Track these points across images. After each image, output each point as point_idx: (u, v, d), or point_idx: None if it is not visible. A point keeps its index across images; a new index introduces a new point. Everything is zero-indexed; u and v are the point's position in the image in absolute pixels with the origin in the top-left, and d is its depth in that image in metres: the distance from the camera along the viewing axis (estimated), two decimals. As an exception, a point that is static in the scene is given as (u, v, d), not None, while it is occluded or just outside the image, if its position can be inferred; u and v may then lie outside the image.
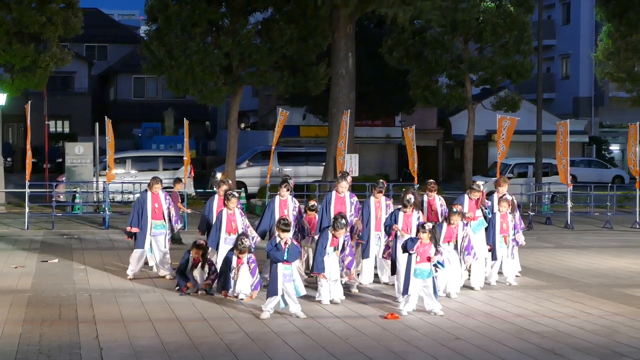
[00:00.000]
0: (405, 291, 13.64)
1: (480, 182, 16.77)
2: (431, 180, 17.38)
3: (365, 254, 16.24)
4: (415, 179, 29.65)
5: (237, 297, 14.48)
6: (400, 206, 15.20)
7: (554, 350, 11.52)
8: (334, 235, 14.30)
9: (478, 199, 16.18)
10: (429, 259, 13.54)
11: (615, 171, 49.38)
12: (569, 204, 28.10)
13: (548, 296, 15.44)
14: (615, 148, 56.72)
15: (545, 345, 11.76)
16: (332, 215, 15.70)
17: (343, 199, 16.01)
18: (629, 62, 36.35)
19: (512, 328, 12.79)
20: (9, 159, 46.24)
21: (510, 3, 35.65)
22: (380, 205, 16.22)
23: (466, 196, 16.19)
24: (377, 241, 16.17)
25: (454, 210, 15.01)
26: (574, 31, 55.88)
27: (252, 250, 15.06)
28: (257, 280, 14.66)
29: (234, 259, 14.64)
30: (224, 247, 15.55)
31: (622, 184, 43.98)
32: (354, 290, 15.42)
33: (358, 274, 16.34)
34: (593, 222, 29.29)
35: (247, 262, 14.59)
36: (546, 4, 52.62)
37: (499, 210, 16.58)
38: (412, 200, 15.02)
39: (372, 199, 16.31)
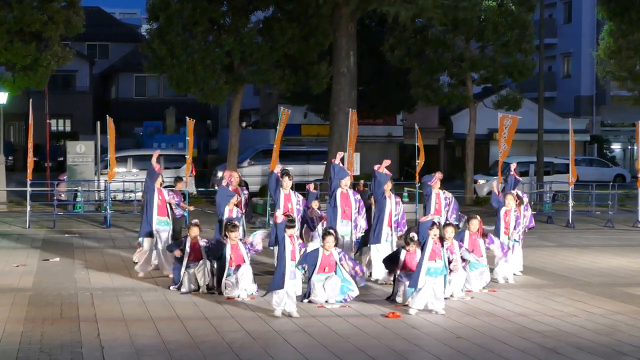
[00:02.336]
0: (414, 284, 13.59)
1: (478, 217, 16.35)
2: None
3: (375, 239, 16.17)
4: (417, 177, 29.61)
5: (238, 296, 14.48)
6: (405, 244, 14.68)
7: (555, 349, 11.52)
8: (324, 248, 14.23)
9: (478, 229, 15.86)
10: (440, 257, 13.58)
11: (617, 170, 49.32)
12: (571, 202, 28.09)
13: (550, 295, 15.43)
14: (616, 147, 56.68)
15: (547, 344, 11.75)
16: (340, 211, 15.68)
17: (347, 195, 15.99)
18: (631, 60, 36.33)
19: (513, 327, 12.78)
20: (10, 158, 46.21)
21: (511, 2, 35.63)
22: (392, 199, 16.27)
23: (466, 232, 15.87)
24: (388, 237, 16.19)
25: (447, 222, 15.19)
26: (576, 30, 55.85)
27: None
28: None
29: (227, 242, 14.66)
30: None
31: (623, 182, 43.95)
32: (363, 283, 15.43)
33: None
34: (594, 221, 29.28)
35: (247, 249, 14.64)
36: (547, 3, 52.55)
37: (504, 205, 16.65)
38: (415, 238, 14.41)
39: (385, 193, 16.27)
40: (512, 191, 17.44)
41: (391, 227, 16.25)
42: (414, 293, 13.59)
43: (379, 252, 16.16)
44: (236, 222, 14.92)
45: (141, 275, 16.56)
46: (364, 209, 16.27)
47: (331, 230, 14.48)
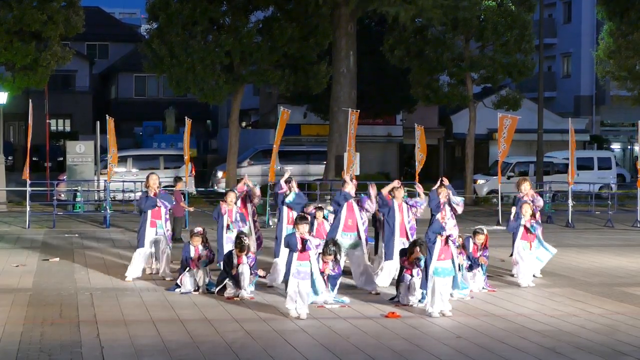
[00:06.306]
0: (424, 286, 13.55)
1: (484, 227, 16.16)
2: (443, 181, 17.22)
3: (387, 256, 15.89)
4: (417, 177, 29.61)
5: (238, 296, 14.49)
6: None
7: (555, 349, 11.52)
8: (323, 261, 14.09)
9: (483, 243, 15.74)
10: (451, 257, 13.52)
11: (617, 170, 49.26)
12: (570, 202, 28.09)
13: (549, 295, 15.44)
14: (616, 147, 56.64)
15: (546, 344, 11.76)
16: (342, 223, 15.53)
17: (352, 206, 15.75)
18: (630, 60, 36.35)
19: (513, 327, 12.79)
20: (9, 158, 46.22)
21: (511, 2, 35.65)
22: (402, 210, 15.97)
23: (471, 240, 15.70)
24: (402, 247, 15.75)
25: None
26: (575, 30, 55.83)
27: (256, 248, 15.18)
28: (254, 278, 14.74)
29: (235, 258, 14.68)
30: (227, 246, 15.68)
31: (623, 182, 43.95)
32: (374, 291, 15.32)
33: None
34: (594, 220, 29.28)
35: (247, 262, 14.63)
36: (547, 3, 52.51)
37: (522, 215, 16.49)
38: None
39: (395, 202, 15.97)
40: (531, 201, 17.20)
41: (406, 237, 15.83)
42: (429, 297, 13.53)
43: (390, 266, 15.89)
44: (245, 241, 14.75)
45: (128, 280, 16.23)
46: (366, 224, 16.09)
47: (333, 248, 14.23)
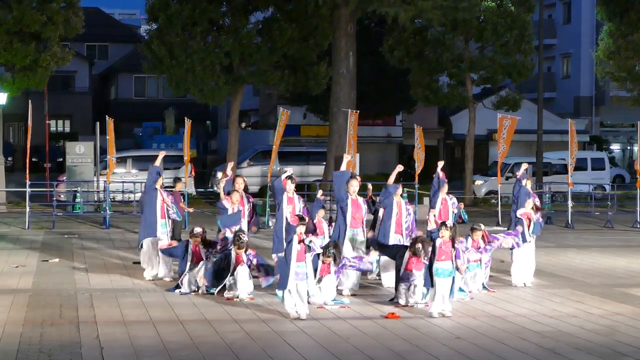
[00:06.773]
0: (428, 284, 13.56)
1: (482, 224, 16.12)
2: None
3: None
4: (416, 178, 29.61)
5: (237, 297, 14.49)
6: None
7: (554, 349, 11.53)
8: (323, 262, 14.11)
9: (482, 237, 15.74)
10: (450, 258, 13.51)
11: (616, 171, 49.29)
12: (570, 203, 28.09)
13: (549, 295, 15.45)
14: (616, 147, 56.66)
15: (545, 345, 11.77)
16: (349, 219, 15.53)
17: (356, 201, 15.78)
18: (630, 61, 36.35)
19: (512, 327, 12.80)
20: (9, 158, 46.18)
21: (511, 2, 35.66)
22: (400, 207, 15.97)
23: (469, 238, 15.69)
24: (396, 242, 15.78)
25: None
26: (575, 30, 55.83)
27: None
28: (271, 272, 14.64)
29: (233, 255, 14.68)
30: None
31: (622, 183, 43.96)
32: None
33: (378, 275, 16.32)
34: (594, 221, 29.28)
35: (248, 259, 14.61)
36: (547, 3, 52.53)
37: (524, 206, 16.58)
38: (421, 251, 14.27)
39: (394, 199, 15.94)
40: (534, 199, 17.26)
41: (401, 234, 15.80)
42: (430, 295, 13.53)
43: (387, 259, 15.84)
44: (244, 238, 14.76)
45: (149, 279, 16.41)
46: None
47: (333, 250, 14.24)
